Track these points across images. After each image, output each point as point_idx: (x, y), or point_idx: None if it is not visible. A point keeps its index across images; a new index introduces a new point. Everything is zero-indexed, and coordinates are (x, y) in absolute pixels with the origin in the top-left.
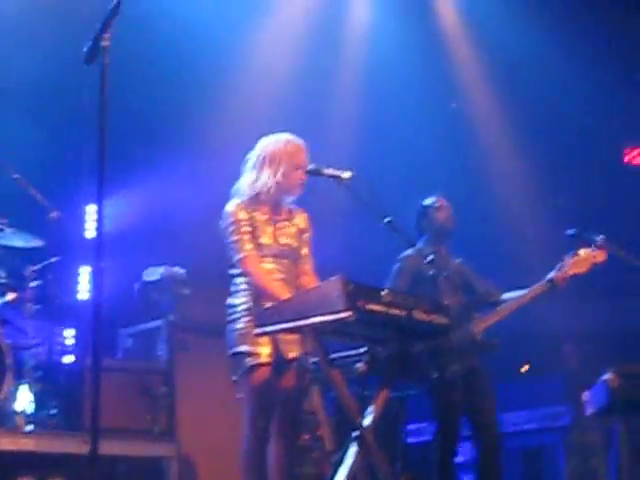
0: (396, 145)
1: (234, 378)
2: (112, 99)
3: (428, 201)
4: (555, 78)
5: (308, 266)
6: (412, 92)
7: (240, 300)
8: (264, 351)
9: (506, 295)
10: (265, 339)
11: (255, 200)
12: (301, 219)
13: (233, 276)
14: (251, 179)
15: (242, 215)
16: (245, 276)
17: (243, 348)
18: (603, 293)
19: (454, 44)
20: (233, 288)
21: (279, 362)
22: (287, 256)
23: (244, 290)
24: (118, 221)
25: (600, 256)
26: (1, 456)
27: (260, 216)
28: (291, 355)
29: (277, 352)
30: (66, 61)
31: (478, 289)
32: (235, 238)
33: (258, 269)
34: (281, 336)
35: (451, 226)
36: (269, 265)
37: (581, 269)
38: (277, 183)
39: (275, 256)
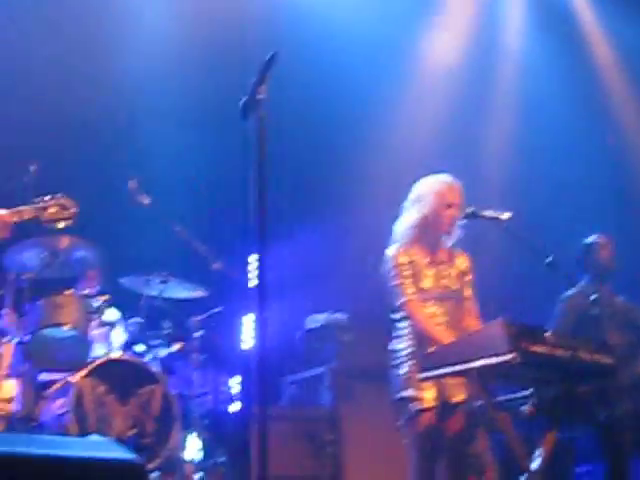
0: (557, 185)
1: (399, 423)
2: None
3: (590, 239)
4: None
5: (471, 308)
6: (571, 129)
7: (403, 345)
8: (428, 395)
9: None
10: (429, 383)
11: (415, 243)
12: (462, 260)
13: (395, 321)
14: (404, 220)
15: (403, 259)
16: (407, 320)
17: (408, 393)
18: None
19: (610, 79)
20: (395, 333)
21: (444, 406)
22: (449, 298)
23: (407, 335)
24: (280, 269)
25: None
26: None
27: (420, 259)
28: (456, 399)
29: (442, 396)
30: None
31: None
32: (397, 282)
33: (421, 313)
34: (445, 380)
35: (613, 264)
36: (431, 308)
37: None
38: (425, 218)
39: (437, 299)
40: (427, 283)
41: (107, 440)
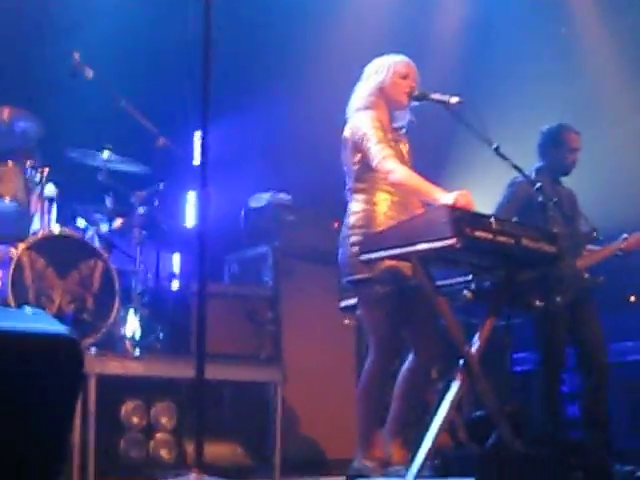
0: (505, 72)
1: (343, 304)
2: (219, 27)
3: (562, 131)
4: None
5: None
6: (520, 15)
7: (359, 221)
8: (389, 277)
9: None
10: (387, 263)
11: (375, 110)
12: (406, 144)
13: (355, 191)
14: (361, 91)
15: (379, 120)
16: (366, 194)
17: (368, 275)
18: None
19: None
20: (352, 206)
21: (404, 288)
22: None
23: (364, 211)
24: (225, 148)
25: None
26: (109, 380)
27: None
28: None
29: (401, 277)
30: None
31: (580, 227)
32: (374, 141)
33: (403, 168)
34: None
35: (575, 163)
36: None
37: None
38: (382, 88)
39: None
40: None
41: (40, 312)
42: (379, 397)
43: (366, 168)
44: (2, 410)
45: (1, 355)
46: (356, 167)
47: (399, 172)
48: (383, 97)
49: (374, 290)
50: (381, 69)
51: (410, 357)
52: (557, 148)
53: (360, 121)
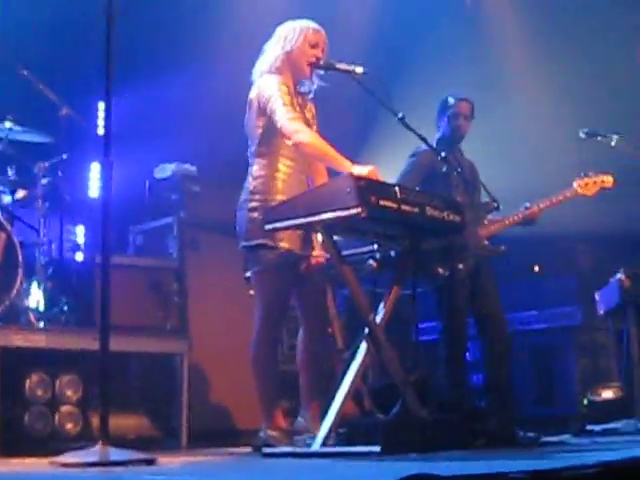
0: (410, 43)
1: (247, 274)
2: None
3: (450, 102)
4: None
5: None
6: None
7: (258, 186)
8: (283, 245)
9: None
10: (284, 233)
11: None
12: (311, 108)
13: (256, 156)
14: (267, 56)
15: (284, 82)
16: (266, 158)
17: (267, 242)
18: (618, 195)
19: None
20: (252, 171)
21: (297, 257)
22: None
23: (264, 176)
24: (129, 118)
25: (608, 182)
26: (13, 352)
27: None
28: (307, 252)
29: (295, 247)
30: None
31: (481, 197)
32: (280, 103)
33: (309, 130)
34: (298, 232)
35: (464, 133)
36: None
37: (589, 192)
38: (289, 54)
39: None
40: None
41: None
42: (270, 366)
43: (270, 132)
44: None
45: None
46: (260, 130)
47: (306, 134)
48: (289, 63)
49: (268, 257)
50: (291, 35)
51: (301, 330)
52: (448, 116)
53: (266, 84)
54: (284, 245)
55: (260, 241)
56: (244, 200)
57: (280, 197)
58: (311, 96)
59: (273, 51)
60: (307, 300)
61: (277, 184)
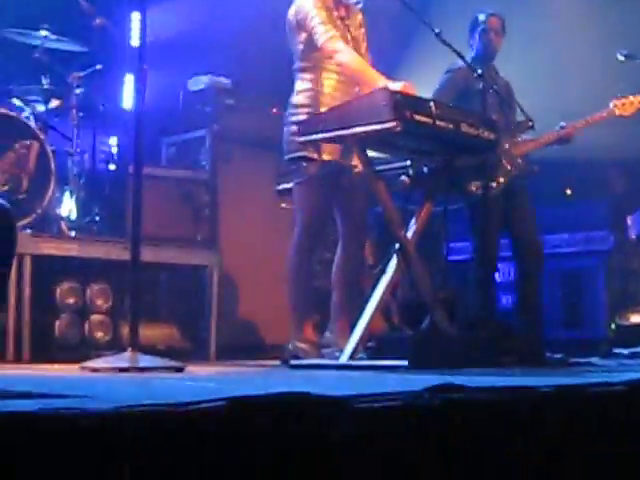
0: None
1: (279, 187)
2: None
3: (480, 18)
4: None
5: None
6: None
7: (304, 100)
8: (325, 157)
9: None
10: (326, 145)
11: None
12: (358, 13)
13: (299, 70)
14: None
15: (319, 3)
16: (312, 73)
17: (306, 154)
18: None
19: None
20: (297, 85)
21: (339, 167)
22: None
23: (308, 90)
24: (164, 30)
25: None
26: (44, 261)
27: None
28: (353, 162)
29: (340, 158)
30: None
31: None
32: (319, 20)
33: (349, 49)
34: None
35: (496, 49)
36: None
37: (626, 112)
38: None
39: None
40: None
41: None
42: (305, 278)
43: (311, 47)
44: None
45: None
46: (301, 47)
47: (345, 53)
48: None
49: (309, 169)
50: None
51: (340, 245)
52: (479, 33)
53: (303, 2)
54: (326, 157)
55: (301, 153)
56: (289, 114)
57: (325, 110)
58: (360, 5)
59: None
60: (348, 218)
61: (322, 98)
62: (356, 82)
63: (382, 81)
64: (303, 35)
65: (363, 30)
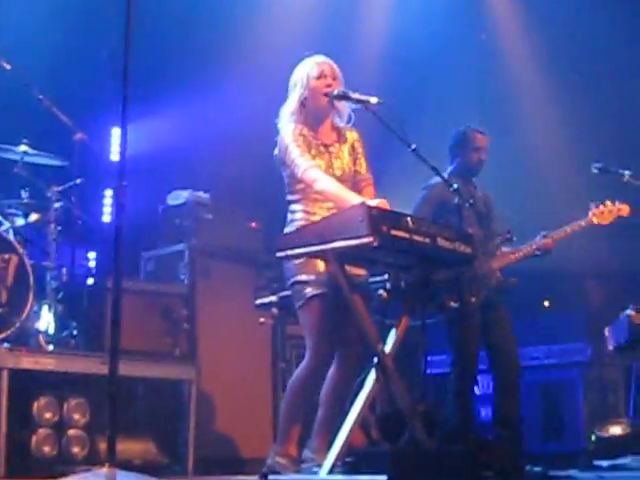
0: (425, 75)
1: (257, 302)
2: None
3: (470, 135)
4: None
5: (367, 190)
6: (442, 22)
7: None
8: (323, 279)
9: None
10: (323, 269)
11: (302, 127)
12: (351, 134)
13: (291, 202)
14: (286, 108)
15: (299, 134)
16: (302, 203)
17: (302, 277)
18: (628, 231)
19: None
20: (289, 217)
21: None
22: (345, 182)
23: (300, 220)
24: (143, 145)
25: (624, 210)
26: (22, 375)
27: (313, 142)
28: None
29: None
30: None
31: (495, 228)
32: (297, 153)
33: (327, 177)
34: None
35: (481, 166)
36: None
37: (605, 221)
38: (303, 100)
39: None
40: (322, 166)
41: None
42: (308, 399)
43: (295, 180)
44: None
45: None
46: (287, 180)
47: (321, 181)
48: (306, 108)
49: (305, 291)
50: (298, 81)
51: (335, 364)
52: (463, 149)
53: (283, 136)
54: (319, 277)
55: (296, 278)
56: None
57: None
58: (349, 124)
59: (289, 102)
60: (345, 338)
61: None
62: (339, 207)
63: (357, 199)
64: (288, 170)
65: (360, 150)
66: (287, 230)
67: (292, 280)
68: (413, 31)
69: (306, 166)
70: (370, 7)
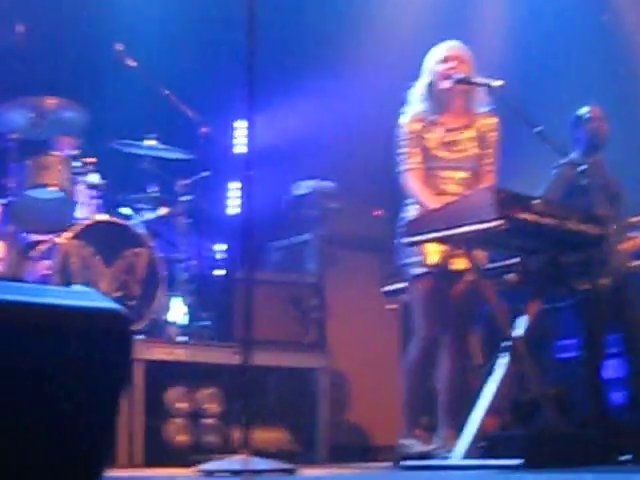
0: (546, 55)
1: (385, 289)
2: (262, 17)
3: (581, 111)
4: None
5: (487, 176)
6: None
7: (408, 214)
8: (432, 260)
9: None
10: (432, 249)
11: (427, 112)
12: (485, 120)
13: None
14: (413, 92)
15: (414, 127)
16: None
17: (409, 260)
18: None
19: None
20: (404, 201)
21: (446, 272)
22: (465, 168)
23: (413, 203)
24: (268, 136)
25: None
26: (155, 366)
27: (435, 128)
28: (456, 267)
29: (443, 262)
30: None
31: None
32: (402, 151)
33: (415, 182)
34: (449, 248)
35: (605, 137)
36: (446, 177)
37: None
38: (429, 85)
39: (452, 168)
40: (441, 152)
41: (91, 290)
42: (421, 380)
43: None
44: (57, 388)
45: (57, 331)
46: None
47: (409, 187)
48: (431, 92)
49: (415, 272)
50: (426, 66)
51: (444, 349)
52: (578, 125)
53: (399, 124)
54: (429, 261)
55: (404, 260)
56: (399, 226)
57: (430, 210)
58: (487, 109)
59: (417, 84)
60: (455, 319)
61: None
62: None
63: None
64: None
65: (491, 137)
66: (402, 214)
67: (401, 262)
68: (533, 13)
69: (403, 168)
70: None
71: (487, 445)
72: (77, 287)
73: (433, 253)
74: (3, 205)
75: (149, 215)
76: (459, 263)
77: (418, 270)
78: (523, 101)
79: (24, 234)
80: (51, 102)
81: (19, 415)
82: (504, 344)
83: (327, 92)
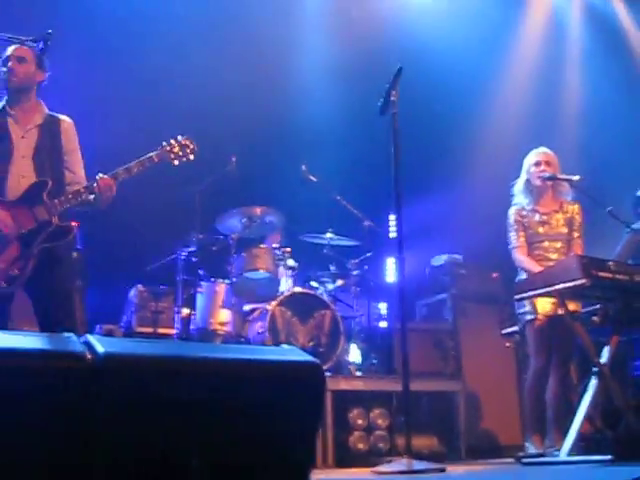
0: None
1: (503, 331)
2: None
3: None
4: None
5: (577, 247)
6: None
7: (520, 277)
8: (539, 309)
9: None
10: (546, 301)
11: (525, 202)
12: (572, 208)
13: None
14: (517, 186)
15: (516, 217)
16: None
17: (522, 309)
18: None
19: None
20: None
21: (552, 316)
22: (558, 240)
23: (522, 269)
24: (413, 224)
25: None
26: (340, 394)
27: (532, 214)
28: (560, 311)
29: (553, 310)
30: (367, 111)
31: None
32: (509, 234)
33: (522, 255)
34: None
35: None
36: (544, 247)
37: None
38: (526, 182)
39: (549, 240)
40: (540, 229)
41: (293, 348)
42: (539, 396)
43: None
44: (281, 416)
45: (273, 378)
46: None
47: (520, 264)
48: (529, 187)
49: (528, 318)
50: (524, 168)
51: (552, 374)
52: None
53: (509, 214)
54: (540, 311)
55: (519, 310)
56: (515, 285)
57: (534, 274)
58: (569, 198)
59: (519, 181)
60: (559, 352)
61: None
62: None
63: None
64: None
65: (577, 218)
66: (518, 278)
67: (518, 312)
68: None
69: (513, 246)
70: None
71: (584, 444)
72: (285, 346)
73: (545, 303)
74: (228, 284)
75: (330, 286)
76: (561, 311)
77: (529, 317)
78: (596, 188)
79: (244, 304)
80: (258, 210)
81: (256, 435)
82: (594, 369)
83: (452, 188)
